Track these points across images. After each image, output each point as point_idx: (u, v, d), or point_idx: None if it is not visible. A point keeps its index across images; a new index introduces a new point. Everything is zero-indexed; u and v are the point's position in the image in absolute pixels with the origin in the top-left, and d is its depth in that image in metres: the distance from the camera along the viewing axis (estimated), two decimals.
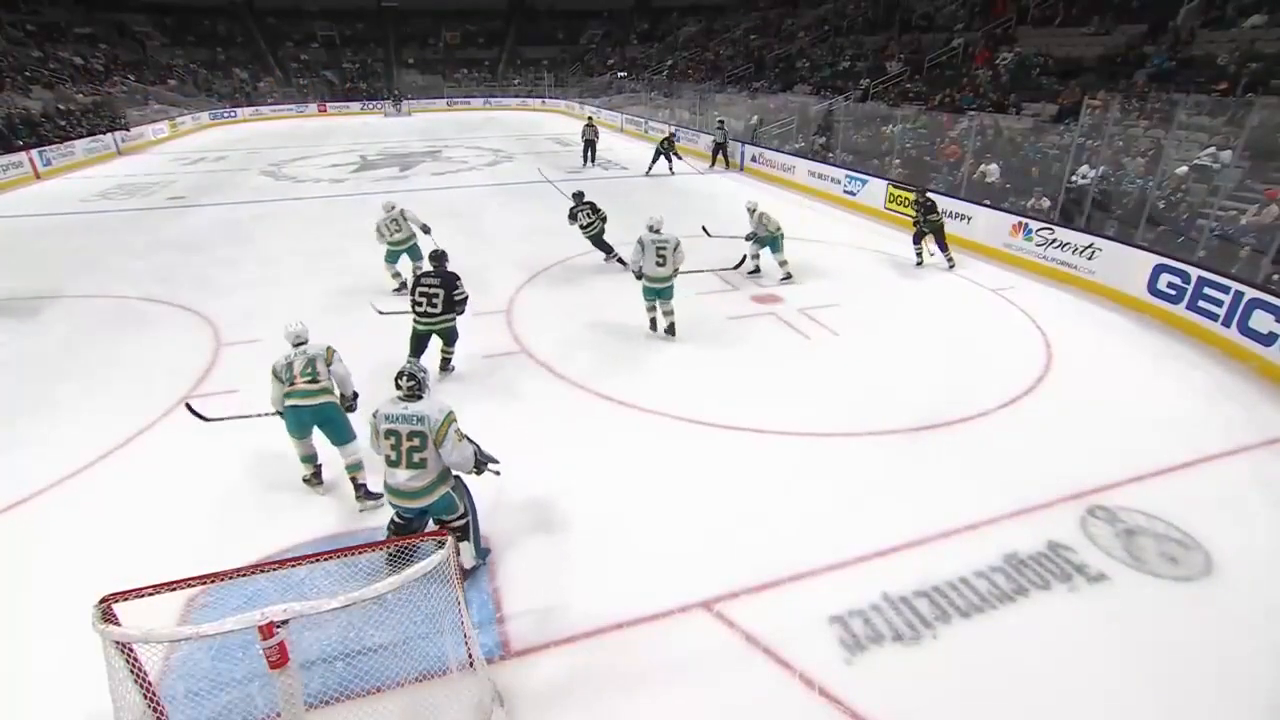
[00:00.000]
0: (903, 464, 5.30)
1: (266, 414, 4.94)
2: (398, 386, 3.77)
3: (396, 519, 3.95)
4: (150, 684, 2.87)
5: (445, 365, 6.76)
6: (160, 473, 5.24)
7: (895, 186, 12.83)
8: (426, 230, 8.91)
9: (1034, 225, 9.95)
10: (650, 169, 18.03)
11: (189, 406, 5.20)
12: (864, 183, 13.67)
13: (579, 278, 9.71)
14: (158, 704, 2.94)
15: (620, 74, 36.14)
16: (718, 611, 3.85)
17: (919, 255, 10.12)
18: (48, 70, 28.12)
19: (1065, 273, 9.43)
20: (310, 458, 4.91)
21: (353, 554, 3.27)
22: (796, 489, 5.00)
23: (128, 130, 24.72)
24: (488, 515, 4.53)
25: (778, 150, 17.36)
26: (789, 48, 27.15)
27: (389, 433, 3.68)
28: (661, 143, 18.14)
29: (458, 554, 3.01)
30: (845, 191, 14.19)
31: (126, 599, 2.67)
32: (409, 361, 3.88)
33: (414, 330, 6.43)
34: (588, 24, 47.06)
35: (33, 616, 3.85)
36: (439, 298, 6.29)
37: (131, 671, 2.74)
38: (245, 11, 43.56)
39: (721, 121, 19.14)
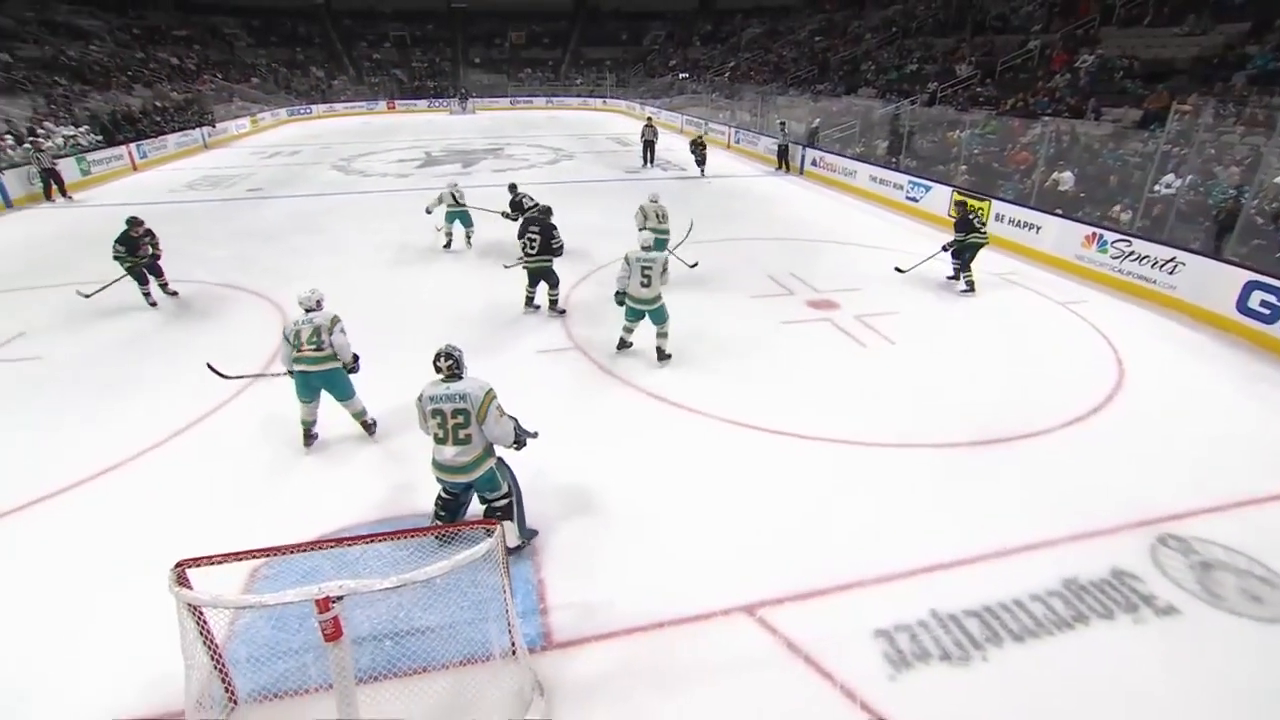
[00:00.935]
0: (958, 478, 5.14)
1: (278, 373, 5.47)
2: (437, 369, 3.93)
3: (444, 494, 4.12)
4: (217, 646, 3.04)
5: (553, 305, 8.14)
6: (230, 449, 5.53)
7: (960, 194, 12.43)
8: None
9: (1110, 236, 9.47)
10: (703, 171, 17.97)
11: (210, 366, 5.67)
12: (928, 189, 13.29)
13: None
14: (223, 665, 3.11)
15: (682, 75, 36.15)
16: (760, 617, 3.81)
17: (961, 277, 9.18)
18: (148, 70, 30.01)
19: (1142, 287, 8.95)
20: (308, 423, 5.45)
21: (404, 537, 3.38)
22: (845, 497, 4.90)
23: (214, 126, 26.14)
24: (536, 506, 4.62)
25: (839, 154, 17.05)
26: (854, 50, 26.64)
27: (434, 412, 3.85)
28: (693, 143, 18.02)
29: (503, 536, 3.06)
30: (908, 198, 13.83)
31: (198, 565, 2.83)
32: (446, 345, 4.00)
33: (525, 268, 8.10)
34: (651, 25, 47.25)
35: (114, 577, 4.11)
36: (537, 242, 7.83)
37: (201, 634, 2.91)
38: (324, 14, 45.50)
39: (783, 124, 18.92)
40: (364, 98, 39.95)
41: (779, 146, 18.45)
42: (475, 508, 4.33)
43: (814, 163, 17.68)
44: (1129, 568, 4.17)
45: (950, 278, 9.46)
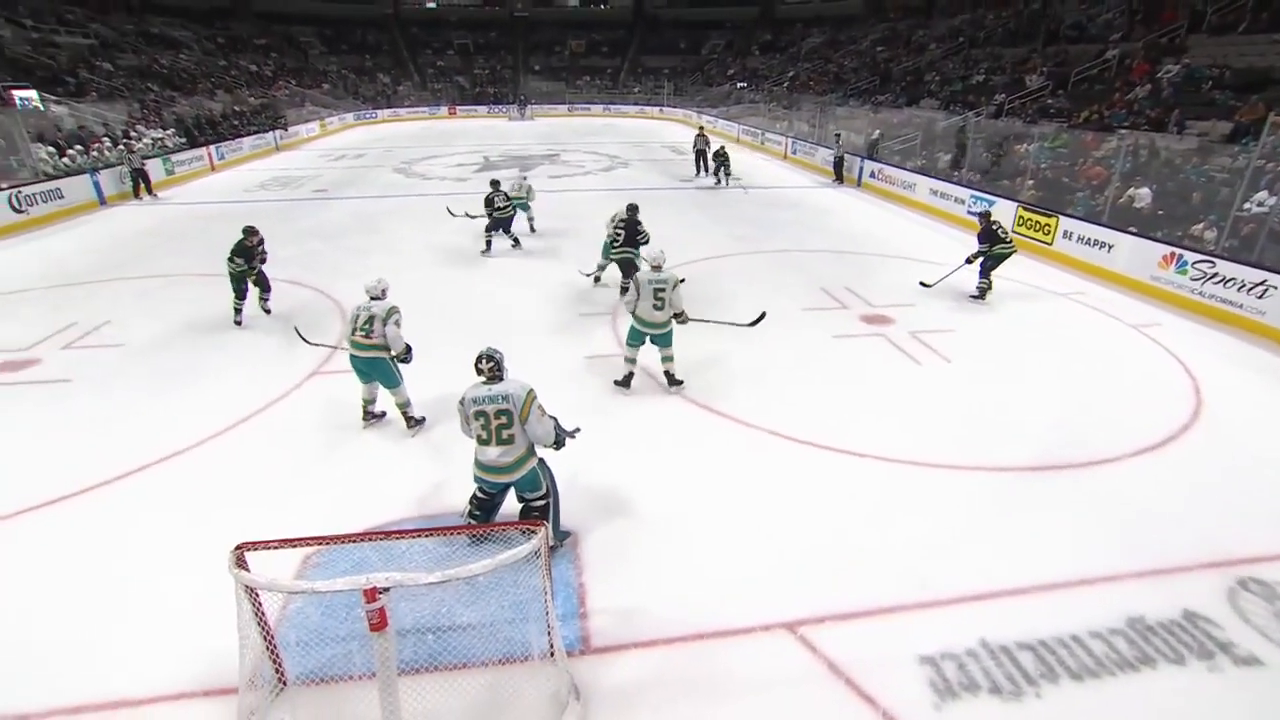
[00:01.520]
0: (1014, 503, 4.94)
1: (343, 347, 5.82)
2: (479, 370, 4.01)
3: (480, 493, 4.19)
4: (269, 628, 3.16)
5: (623, 292, 7.77)
6: (287, 438, 5.75)
7: (1026, 209, 12.01)
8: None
9: (1190, 257, 8.98)
10: (724, 180, 17.89)
11: (296, 330, 6.78)
12: (991, 204, 12.88)
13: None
14: (274, 647, 3.23)
15: (740, 84, 36.06)
16: (801, 634, 3.74)
17: (981, 291, 9.15)
18: (229, 77, 31.73)
19: (1226, 312, 8.44)
20: (366, 401, 5.85)
21: (450, 534, 3.46)
22: (895, 517, 4.77)
23: (286, 129, 27.39)
24: (579, 511, 4.65)
25: (899, 167, 16.70)
26: (917, 60, 26.09)
27: (478, 414, 3.93)
28: (715, 153, 17.80)
29: (546, 538, 3.09)
30: (970, 212, 13.39)
31: (256, 549, 2.95)
32: (487, 347, 4.08)
33: (613, 259, 8.76)
34: (710, 34, 47.34)
35: (178, 556, 4.32)
36: (622, 236, 8.51)
37: (255, 615, 3.03)
38: (392, 22, 47.21)
39: (839, 135, 18.67)
40: (427, 103, 41.22)
41: (835, 158, 18.21)
42: (507, 508, 4.39)
43: (872, 175, 17.38)
44: (1203, 611, 3.92)
45: (974, 298, 9.22)
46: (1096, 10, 20.42)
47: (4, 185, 13.22)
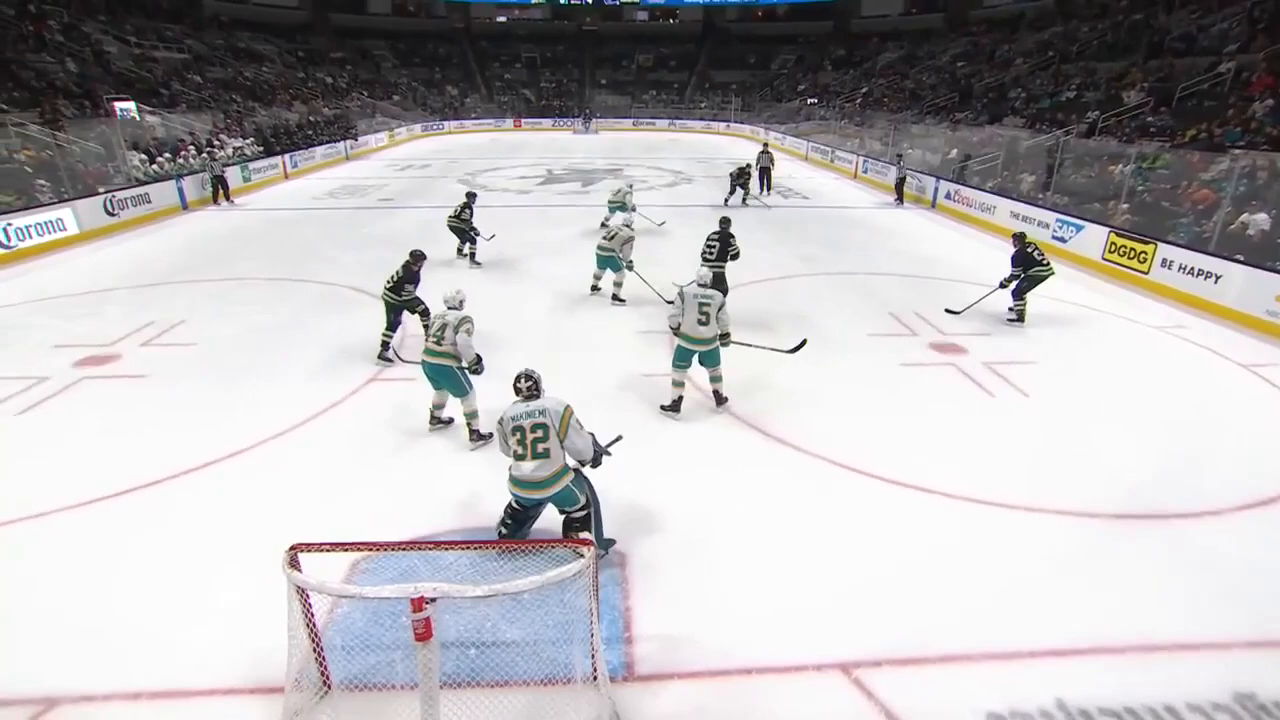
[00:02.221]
0: (1098, 552, 4.67)
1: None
2: (518, 390, 4.19)
3: (514, 505, 4.27)
4: (317, 630, 3.27)
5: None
6: (344, 442, 5.97)
7: (1119, 235, 11.46)
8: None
9: None
10: (756, 198, 17.97)
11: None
12: (1079, 229, 12.36)
13: (744, 308, 9.68)
14: (320, 650, 3.33)
15: (810, 100, 35.88)
16: (856, 677, 3.61)
17: (1013, 313, 9.07)
18: (306, 88, 33.68)
19: None
20: (433, 407, 6.08)
21: (496, 548, 3.51)
22: (962, 558, 4.58)
23: (356, 139, 28.82)
24: (629, 533, 4.66)
25: (977, 188, 16.24)
26: (1001, 76, 25.41)
27: (515, 429, 4.06)
28: (744, 170, 17.52)
29: (595, 559, 3.10)
30: (1054, 237, 12.91)
31: (309, 551, 3.06)
32: (525, 367, 4.28)
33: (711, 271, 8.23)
34: (781, 49, 47.36)
35: (234, 552, 4.52)
36: (715, 249, 8.64)
37: (305, 616, 3.14)
38: (463, 36, 49.14)
39: (900, 155, 18.44)
40: (493, 115, 42.63)
41: (897, 178, 17.98)
42: (543, 524, 4.42)
43: (949, 196, 16.95)
44: None
45: (1010, 320, 9.02)
46: (1210, 20, 19.41)
47: (100, 190, 14.35)
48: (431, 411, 6.10)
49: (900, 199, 17.88)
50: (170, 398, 6.81)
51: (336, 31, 44.49)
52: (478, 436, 5.88)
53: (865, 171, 22.03)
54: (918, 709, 3.42)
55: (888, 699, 3.48)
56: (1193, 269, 9.94)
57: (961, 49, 32.05)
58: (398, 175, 23.27)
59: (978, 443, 6.11)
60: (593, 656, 3.22)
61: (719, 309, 6.25)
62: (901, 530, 4.87)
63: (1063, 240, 12.69)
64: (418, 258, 7.45)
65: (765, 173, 18.75)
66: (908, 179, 17.89)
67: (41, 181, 13.70)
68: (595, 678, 3.25)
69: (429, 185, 20.91)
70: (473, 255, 11.74)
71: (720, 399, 6.56)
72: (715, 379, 6.47)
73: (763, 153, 19.20)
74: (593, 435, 4.29)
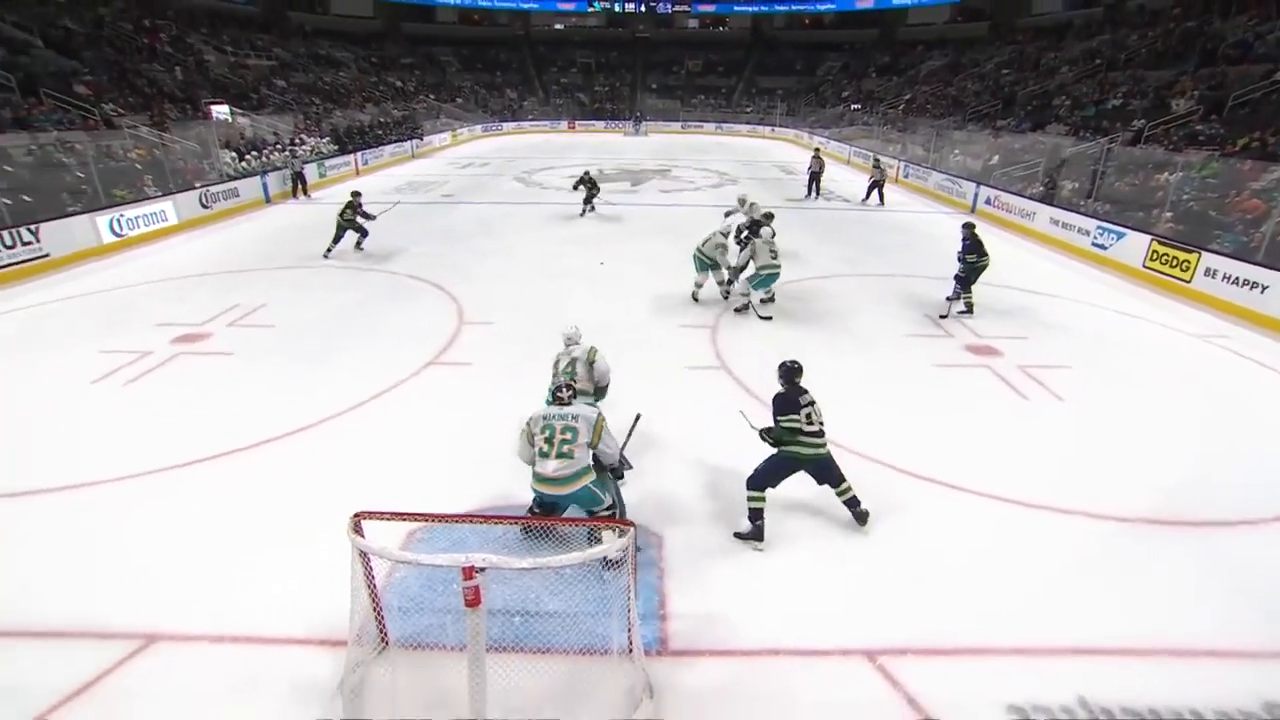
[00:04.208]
0: (1127, 556, 4.48)
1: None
2: (558, 399, 4.28)
3: (536, 506, 4.32)
4: (377, 592, 3.38)
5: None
6: (401, 423, 6.13)
7: (1161, 243, 10.89)
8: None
9: None
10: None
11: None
12: (1119, 236, 11.79)
13: (786, 305, 9.56)
14: (379, 609, 3.44)
15: (854, 106, 35.05)
16: (880, 664, 3.56)
17: (964, 305, 9.03)
18: (378, 91, 34.48)
19: None
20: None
21: (542, 523, 3.57)
22: (991, 555, 4.46)
23: (421, 139, 29.37)
24: (663, 516, 4.68)
25: (1017, 194, 15.64)
26: (1046, 83, 24.35)
27: (545, 427, 4.06)
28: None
29: (634, 538, 3.12)
30: (1094, 244, 12.36)
31: (370, 519, 3.16)
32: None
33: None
34: (827, 56, 46.35)
35: (305, 515, 4.70)
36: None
37: (366, 578, 3.25)
38: (523, 42, 49.53)
39: (877, 159, 18.97)
40: (549, 117, 42.90)
41: (875, 180, 17.76)
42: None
43: (988, 201, 16.38)
44: None
45: (950, 298, 9.03)
46: (1268, 27, 18.20)
47: (197, 185, 14.99)
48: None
49: (881, 199, 17.66)
50: (252, 374, 7.09)
51: (407, 39, 45.39)
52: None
53: (906, 176, 21.44)
54: (939, 698, 3.36)
55: (910, 686, 3.43)
56: (1238, 279, 9.39)
57: (1006, 57, 30.82)
58: (459, 172, 23.65)
59: (1010, 444, 5.92)
60: (629, 630, 3.25)
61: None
62: (931, 525, 4.77)
63: (1103, 247, 12.14)
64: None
65: (814, 177, 18.52)
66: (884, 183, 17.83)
67: (148, 177, 14.37)
68: (631, 650, 3.28)
69: (488, 183, 21.19)
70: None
71: (761, 314, 8.68)
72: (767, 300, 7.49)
73: (814, 158, 18.90)
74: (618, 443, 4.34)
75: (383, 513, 3.21)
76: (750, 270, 8.80)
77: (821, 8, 47.23)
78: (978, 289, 9.03)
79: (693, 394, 6.71)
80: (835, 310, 9.25)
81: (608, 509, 4.26)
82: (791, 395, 4.44)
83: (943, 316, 8.97)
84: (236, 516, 4.75)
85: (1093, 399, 6.76)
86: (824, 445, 4.46)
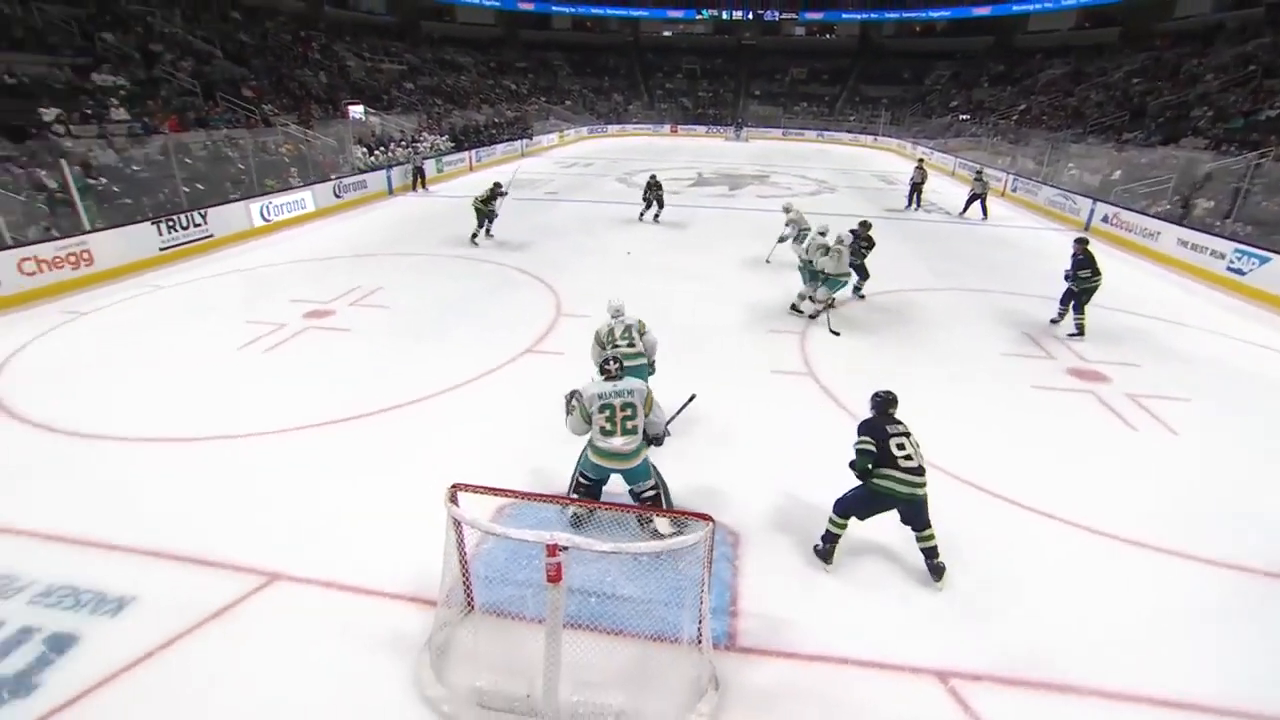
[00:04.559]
0: (1237, 609, 4.03)
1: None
2: (606, 372, 4.25)
3: (583, 479, 4.34)
4: (466, 558, 3.55)
5: (856, 290, 9.52)
6: (497, 404, 6.38)
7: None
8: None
9: None
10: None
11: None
12: (1262, 261, 10.51)
13: (877, 316, 9.22)
14: (467, 575, 3.62)
15: (962, 117, 33.11)
16: (952, 687, 3.39)
17: (1074, 323, 8.45)
18: (494, 94, 35.99)
19: None
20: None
21: (624, 510, 3.63)
22: (1085, 590, 4.13)
23: (530, 139, 30.38)
24: (745, 516, 4.66)
25: (1140, 212, 14.28)
26: (1184, 93, 22.02)
27: (603, 406, 4.09)
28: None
29: (714, 532, 3.12)
30: (1230, 269, 11.09)
31: (466, 490, 3.33)
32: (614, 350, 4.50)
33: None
34: (936, 65, 43.96)
35: (407, 481, 5.00)
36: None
37: (458, 545, 3.42)
38: (631, 48, 50.10)
39: (979, 171, 17.55)
40: (652, 120, 43.21)
41: (975, 193, 16.63)
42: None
43: (1105, 219, 15.04)
44: None
45: (1055, 319, 8.67)
46: None
47: (332, 177, 16.24)
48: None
49: (984, 213, 16.58)
50: (368, 349, 7.61)
51: (524, 45, 47.05)
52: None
53: (1015, 190, 20.04)
54: None
55: (982, 714, 3.25)
56: None
57: (1138, 64, 28.10)
58: (564, 171, 24.27)
59: (1112, 476, 5.44)
60: (700, 622, 3.26)
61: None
62: (1019, 552, 4.48)
63: (1240, 272, 10.88)
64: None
65: (916, 188, 17.71)
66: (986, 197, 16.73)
67: (294, 169, 15.72)
68: (700, 642, 3.29)
69: (590, 182, 21.63)
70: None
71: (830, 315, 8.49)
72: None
73: (917, 169, 18.05)
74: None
75: (478, 486, 3.38)
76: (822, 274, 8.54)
77: (935, 15, 44.86)
78: (1087, 310, 8.36)
79: (778, 398, 6.61)
80: (929, 324, 8.82)
81: (652, 487, 4.29)
82: (878, 423, 4.11)
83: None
84: (349, 476, 5.12)
85: (1214, 436, 6.10)
86: (923, 485, 3.97)
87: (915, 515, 4.04)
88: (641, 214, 15.22)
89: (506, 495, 3.60)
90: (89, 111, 14.24)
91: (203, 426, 5.77)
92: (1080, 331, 8.35)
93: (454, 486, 3.34)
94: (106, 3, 19.98)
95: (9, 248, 8.94)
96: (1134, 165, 16.62)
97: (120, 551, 4.24)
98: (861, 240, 9.61)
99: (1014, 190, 20.04)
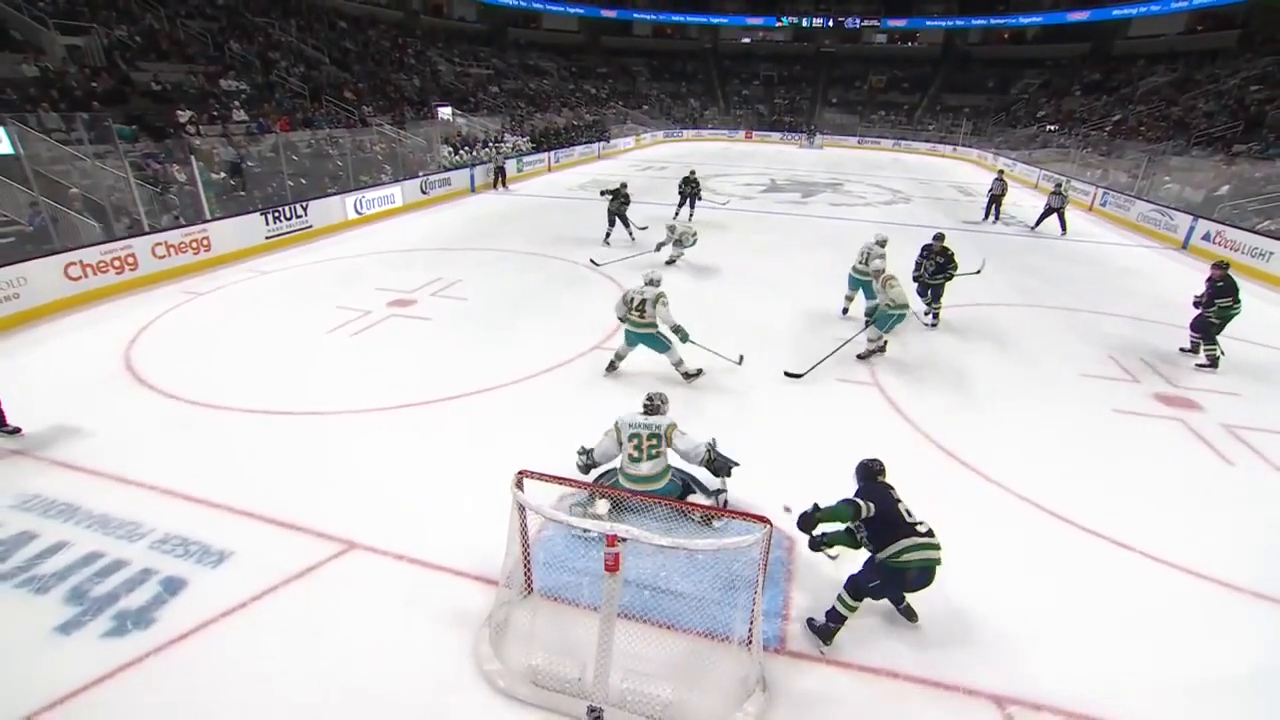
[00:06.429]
0: None
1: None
2: (647, 407, 4.58)
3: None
4: (528, 543, 3.64)
5: (934, 317, 8.79)
6: (562, 398, 6.49)
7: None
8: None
9: None
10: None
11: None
12: None
13: (951, 330, 8.82)
14: (528, 559, 3.71)
15: (1050, 127, 31.19)
16: (1009, 713, 3.22)
17: (1205, 354, 7.66)
18: (574, 97, 36.64)
19: None
20: (618, 357, 6.83)
21: (682, 507, 3.63)
22: (1156, 627, 3.84)
23: (607, 142, 30.72)
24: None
25: (1250, 230, 13.05)
26: None
27: (632, 436, 4.45)
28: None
29: (770, 534, 3.08)
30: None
31: (531, 478, 3.42)
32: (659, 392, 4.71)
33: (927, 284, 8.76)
34: (1024, 73, 41.60)
35: (476, 464, 5.18)
36: (929, 266, 8.63)
37: (520, 529, 3.51)
38: (709, 55, 49.83)
39: (1058, 185, 16.35)
40: (727, 126, 42.83)
41: (1055, 206, 15.53)
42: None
43: (1205, 236, 13.83)
44: None
45: (1187, 349, 7.92)
46: None
47: (420, 174, 16.97)
48: (613, 360, 6.86)
49: (1063, 227, 15.47)
50: (447, 338, 7.91)
51: (605, 51, 47.60)
52: (689, 375, 6.63)
53: (1104, 205, 18.71)
54: None
55: None
56: None
57: (1259, 70, 25.63)
58: (638, 174, 24.40)
59: (1200, 510, 5.02)
60: (751, 623, 3.23)
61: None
62: (1092, 582, 4.20)
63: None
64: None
65: (995, 200, 16.72)
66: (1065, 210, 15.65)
67: (386, 167, 16.52)
68: (750, 643, 3.25)
69: (664, 185, 21.62)
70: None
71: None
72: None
73: (997, 180, 17.09)
74: (713, 442, 4.50)
75: (543, 474, 3.46)
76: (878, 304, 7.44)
77: (1025, 21, 42.46)
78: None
79: (843, 409, 6.43)
80: (1004, 340, 8.38)
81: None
82: (875, 489, 3.62)
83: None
84: (424, 457, 5.35)
85: None
86: (938, 550, 3.43)
87: (923, 584, 3.45)
88: (675, 213, 14.95)
89: (571, 485, 3.67)
90: (215, 113, 15.46)
91: (296, 402, 6.15)
92: (1213, 364, 7.57)
93: (520, 473, 3.43)
94: (235, 15, 21.62)
95: (146, 234, 9.82)
96: (1246, 179, 15.23)
97: (222, 510, 4.58)
98: (935, 256, 8.60)
99: (1103, 205, 18.72)
